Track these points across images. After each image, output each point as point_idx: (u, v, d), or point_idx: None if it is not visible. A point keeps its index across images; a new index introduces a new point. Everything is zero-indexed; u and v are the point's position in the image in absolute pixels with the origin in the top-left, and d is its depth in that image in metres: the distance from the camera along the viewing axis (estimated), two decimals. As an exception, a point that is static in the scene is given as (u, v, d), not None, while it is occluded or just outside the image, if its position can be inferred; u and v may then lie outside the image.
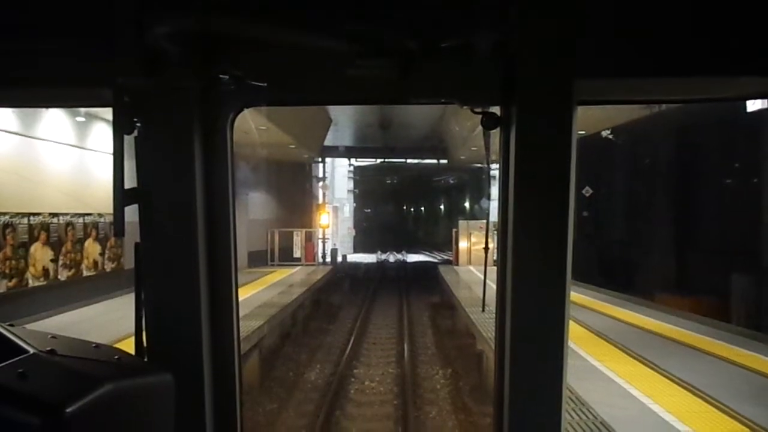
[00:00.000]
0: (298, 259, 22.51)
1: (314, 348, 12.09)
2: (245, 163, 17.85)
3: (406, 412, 8.03)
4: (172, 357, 1.56)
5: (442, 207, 55.20)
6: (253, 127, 13.71)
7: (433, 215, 55.97)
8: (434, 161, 30.25)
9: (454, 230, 22.55)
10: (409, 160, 31.49)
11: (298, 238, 22.73)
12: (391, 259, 35.65)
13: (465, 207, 43.78)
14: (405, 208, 65.78)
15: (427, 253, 39.98)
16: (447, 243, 34.48)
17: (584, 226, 17.49)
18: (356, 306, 17.37)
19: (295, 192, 25.25)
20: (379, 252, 39.24)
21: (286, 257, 22.24)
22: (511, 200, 1.60)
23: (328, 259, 26.43)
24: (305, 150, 21.78)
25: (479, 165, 28.73)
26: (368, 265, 31.47)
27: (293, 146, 19.49)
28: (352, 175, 40.67)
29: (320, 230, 25.52)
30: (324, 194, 27.63)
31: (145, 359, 1.55)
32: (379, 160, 31.35)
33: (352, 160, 34.25)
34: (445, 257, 33.93)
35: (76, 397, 1.11)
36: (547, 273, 1.56)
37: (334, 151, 28.27)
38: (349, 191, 41.10)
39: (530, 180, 1.56)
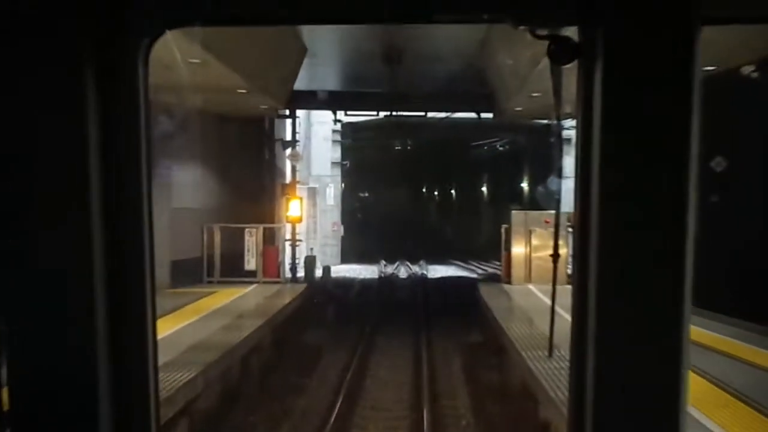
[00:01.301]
0: (253, 273, 22.87)
1: (278, 416, 12.19)
2: (167, 118, 17.94)
3: None
4: (50, 429, 1.56)
5: (484, 189, 55.47)
6: (179, 60, 13.95)
7: (469, 203, 56.22)
8: (472, 115, 29.74)
9: (503, 227, 22.96)
10: (431, 114, 30.96)
11: (251, 238, 23.06)
12: (403, 273, 36.40)
13: (521, 189, 43.97)
14: (424, 191, 65.49)
15: (460, 263, 40.49)
16: (493, 247, 34.67)
17: (712, 220, 17.25)
18: (346, 349, 17.71)
19: (248, 165, 25.40)
20: (383, 262, 39.44)
21: (234, 270, 22.58)
22: (596, 178, 1.62)
23: (301, 273, 26.79)
24: (264, 97, 21.80)
25: (545, 121, 28.60)
26: (365, 283, 31.83)
27: (244, 91, 19.36)
28: (339, 138, 40.53)
29: (288, 227, 26.08)
30: (294, 169, 27.28)
31: None
32: (382, 115, 30.44)
33: (340, 115, 33.61)
34: (490, 269, 34.49)
35: None
36: (654, 295, 1.56)
37: (311, 100, 28.13)
38: (334, 164, 40.72)
39: (626, 145, 1.57)
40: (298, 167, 28.40)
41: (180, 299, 17.89)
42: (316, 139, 39.60)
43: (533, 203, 32.20)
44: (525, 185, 43.61)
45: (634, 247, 1.57)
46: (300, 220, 26.49)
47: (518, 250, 22.42)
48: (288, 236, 26.22)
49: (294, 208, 25.72)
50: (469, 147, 46.19)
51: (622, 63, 1.54)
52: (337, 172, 41.26)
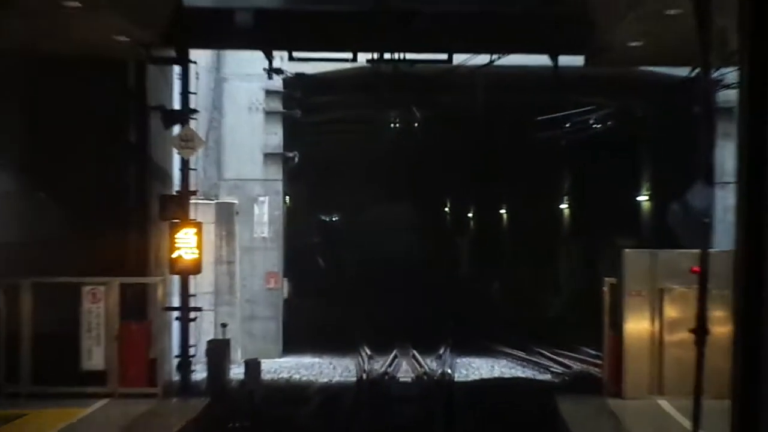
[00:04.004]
0: (100, 377, 22.97)
1: None
2: None
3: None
4: None
5: (563, 207, 56.94)
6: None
7: (535, 234, 57.68)
8: (541, 61, 30.57)
9: (607, 283, 23.62)
10: (458, 59, 31.25)
11: (95, 306, 23.18)
12: (405, 372, 37.12)
13: (637, 208, 44.98)
14: (447, 210, 65.95)
15: (518, 352, 41.01)
16: (583, 322, 33.61)
17: None
18: None
19: (93, 158, 25.80)
20: (367, 351, 40.41)
21: (63, 369, 22.80)
22: None
23: (200, 373, 26.94)
24: (120, 20, 21.77)
25: (683, 74, 29.47)
26: (330, 396, 31.90)
27: (77, 4, 19.42)
28: (279, 106, 40.96)
29: (174, 281, 26.82)
30: (187, 166, 27.62)
31: None
32: (364, 59, 30.75)
33: (279, 58, 34.36)
34: (578, 366, 35.02)
35: None
36: None
37: (221, 29, 28.22)
38: (269, 158, 40.97)
39: None
40: (194, 162, 28.59)
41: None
42: (235, 108, 40.01)
43: (663, 235, 32.48)
44: (644, 199, 44.31)
45: None
46: (198, 267, 26.61)
47: (637, 327, 22.77)
48: (176, 301, 26.44)
49: (186, 244, 26.05)
50: (535, 124, 45.71)
51: None
52: (277, 172, 41.36)
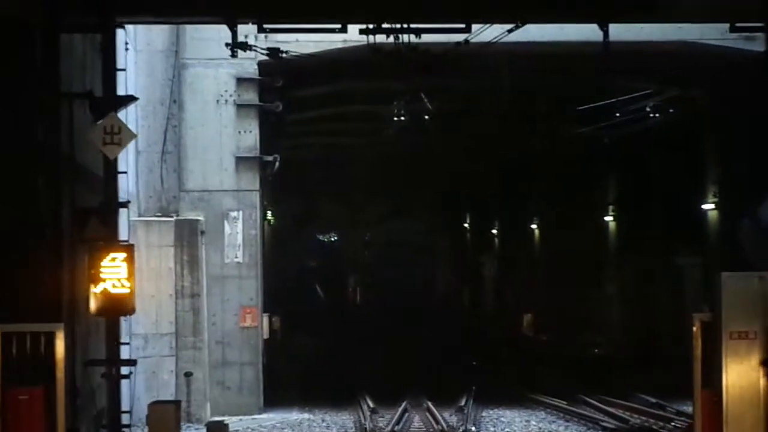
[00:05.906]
0: None
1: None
2: None
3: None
4: None
5: (609, 219, 57.00)
6: None
7: (573, 254, 58.51)
8: (584, 31, 30.79)
9: (696, 320, 22.80)
10: (477, 31, 30.45)
11: None
12: (418, 431, 37.66)
13: (702, 220, 45.55)
14: (468, 227, 65.55)
15: (558, 404, 41.39)
16: (635, 364, 31.06)
17: None
18: None
19: None
20: (367, 402, 41.17)
21: None
22: None
23: None
24: None
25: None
26: None
27: None
28: (254, 98, 40.70)
29: (99, 327, 26.52)
30: (112, 166, 26.12)
31: None
32: (355, 32, 29.90)
33: (253, 37, 34.00)
34: (634, 417, 35.71)
35: None
36: None
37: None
38: (242, 162, 40.56)
39: None
40: (124, 163, 27.55)
41: None
42: (198, 101, 39.80)
43: (733, 252, 33.05)
44: (710, 208, 44.16)
45: None
46: (130, 306, 25.44)
47: (744, 381, 21.76)
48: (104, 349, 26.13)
49: (114, 274, 24.69)
50: (576, 116, 45.73)
51: None
52: (253, 181, 40.43)
